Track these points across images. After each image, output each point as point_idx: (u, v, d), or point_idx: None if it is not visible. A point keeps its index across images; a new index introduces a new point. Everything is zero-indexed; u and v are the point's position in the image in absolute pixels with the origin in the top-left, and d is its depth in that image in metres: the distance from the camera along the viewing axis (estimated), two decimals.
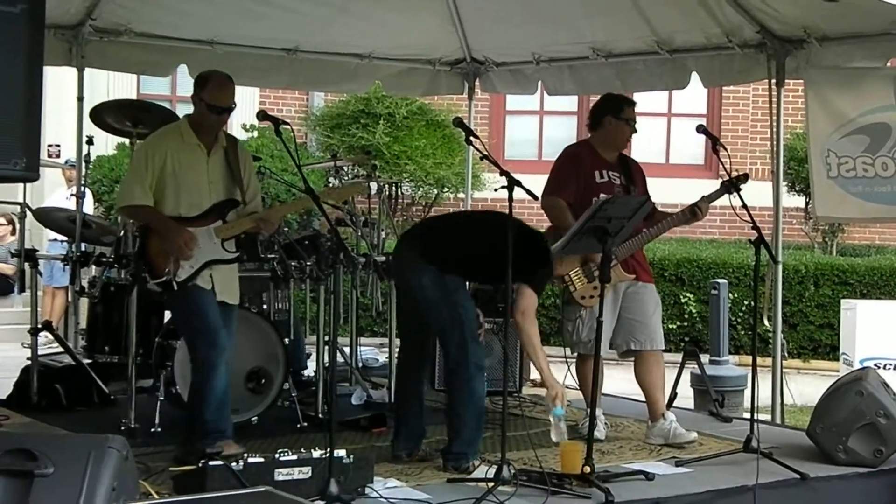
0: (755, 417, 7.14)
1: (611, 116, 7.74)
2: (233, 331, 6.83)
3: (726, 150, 7.42)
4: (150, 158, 6.66)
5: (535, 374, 9.76)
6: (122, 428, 7.40)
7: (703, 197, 7.53)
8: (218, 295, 6.71)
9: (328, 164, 9.71)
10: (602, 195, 7.23)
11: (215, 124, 6.79)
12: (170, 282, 6.56)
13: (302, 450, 5.94)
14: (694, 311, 13.54)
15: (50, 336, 9.02)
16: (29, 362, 8.41)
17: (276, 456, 5.83)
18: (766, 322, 8.85)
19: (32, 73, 4.10)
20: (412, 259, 6.82)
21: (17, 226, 9.26)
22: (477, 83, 10.78)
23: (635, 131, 7.84)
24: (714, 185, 7.58)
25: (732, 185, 7.38)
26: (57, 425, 7.67)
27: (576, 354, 7.75)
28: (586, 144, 7.95)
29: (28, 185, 13.28)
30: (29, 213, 9.00)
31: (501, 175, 6.38)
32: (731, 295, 12.04)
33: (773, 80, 8.63)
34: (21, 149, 4.05)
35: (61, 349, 8.88)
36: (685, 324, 13.58)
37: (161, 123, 8.29)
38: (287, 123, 6.52)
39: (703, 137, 7.76)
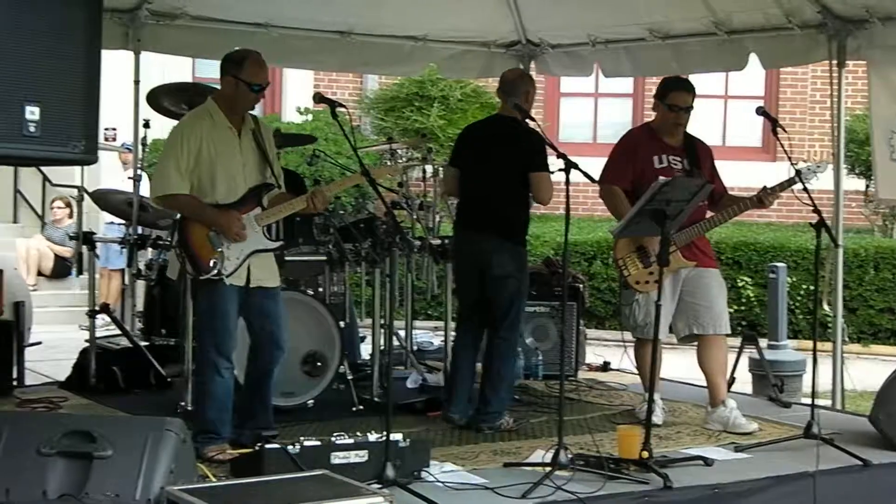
0: (815, 403, 7.06)
1: (658, 100, 7.71)
2: (280, 311, 6.67)
3: (786, 132, 7.31)
4: (184, 142, 6.41)
5: (591, 359, 9.77)
6: (179, 410, 7.40)
7: (774, 186, 7.38)
8: (255, 283, 6.51)
9: (383, 146, 9.68)
10: (661, 179, 7.16)
11: (252, 102, 6.61)
12: (219, 275, 6.34)
13: (358, 433, 5.94)
14: (751, 295, 13.44)
15: (107, 318, 9.06)
16: (87, 345, 8.45)
17: (333, 439, 5.82)
18: (825, 306, 8.75)
19: (91, 57, 4.10)
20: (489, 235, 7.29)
21: (75, 209, 9.29)
22: (532, 65, 10.71)
23: (682, 117, 7.69)
24: (772, 167, 7.46)
25: (801, 175, 7.24)
26: (114, 407, 7.70)
27: (633, 339, 7.69)
28: (646, 128, 7.90)
29: (85, 168, 13.49)
30: (86, 196, 9.02)
31: (558, 158, 6.33)
32: (789, 279, 11.94)
33: (834, 61, 8.50)
34: (80, 132, 4.06)
35: (119, 331, 8.93)
36: (742, 308, 13.48)
37: None
38: (343, 106, 6.47)
39: (760, 119, 7.66)
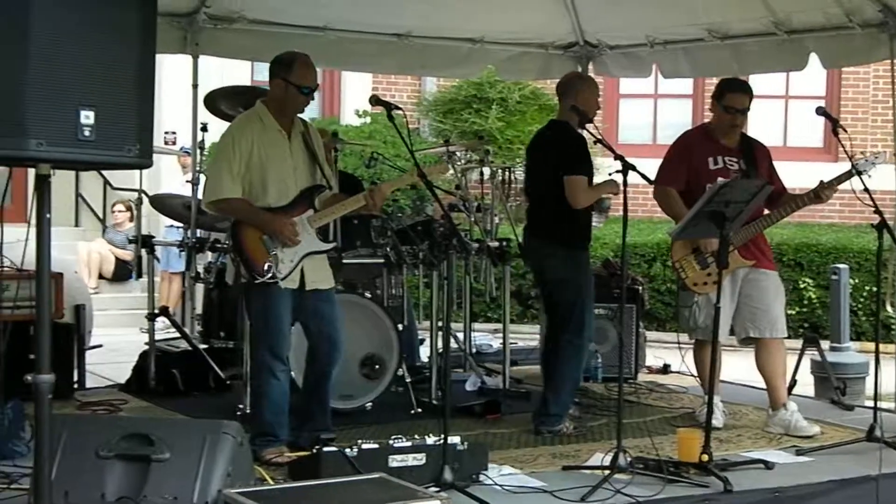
0: (878, 406, 6.96)
1: (714, 101, 7.68)
2: (336, 312, 6.67)
3: (846, 132, 7.22)
4: (236, 146, 6.41)
5: (650, 361, 9.72)
6: (238, 413, 7.43)
7: (831, 179, 7.31)
8: (309, 285, 6.51)
9: (440, 149, 9.67)
10: (720, 180, 7.11)
11: (302, 105, 6.60)
12: (273, 278, 6.35)
13: (416, 436, 5.93)
14: (813, 296, 13.31)
15: (167, 321, 9.11)
16: (146, 347, 8.51)
17: (391, 442, 5.81)
18: (888, 308, 8.63)
19: (145, 62, 4.11)
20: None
21: (136, 212, 9.36)
22: (590, 66, 10.66)
23: (739, 119, 7.64)
24: (833, 167, 7.37)
25: (857, 169, 7.17)
26: (173, 410, 7.76)
27: (692, 341, 7.63)
28: (702, 129, 7.86)
29: (145, 172, 13.57)
30: (146, 200, 9.08)
31: (616, 160, 6.30)
32: (852, 280, 11.78)
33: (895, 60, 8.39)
34: (134, 136, 4.07)
35: (178, 334, 8.98)
36: (804, 309, 13.34)
37: None
38: (400, 108, 6.45)
39: (821, 119, 7.57)
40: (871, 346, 7.38)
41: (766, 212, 7.43)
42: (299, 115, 6.74)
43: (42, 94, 3.91)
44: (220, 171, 6.44)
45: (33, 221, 4.22)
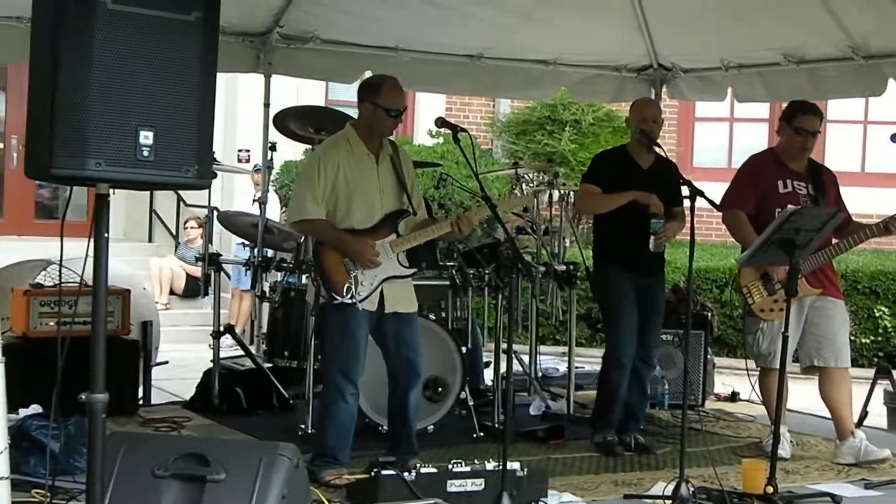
0: None
1: (784, 123, 7.59)
2: (416, 337, 6.69)
3: None
4: (323, 169, 6.45)
5: (719, 388, 9.60)
6: (300, 433, 7.44)
7: None
8: (389, 307, 6.52)
9: (509, 171, 9.63)
10: (789, 206, 7.03)
11: (391, 128, 6.64)
12: (352, 300, 6.37)
13: (476, 461, 5.90)
14: (889, 325, 13.08)
15: (233, 339, 9.14)
16: (211, 365, 8.54)
17: (450, 467, 5.79)
18: None
19: (206, 82, 4.09)
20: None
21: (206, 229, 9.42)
22: (664, 89, 10.58)
23: (810, 142, 7.55)
24: None
25: None
26: (236, 429, 7.78)
27: (758, 368, 7.54)
28: (770, 153, 7.78)
29: (218, 189, 13.70)
30: (214, 217, 9.13)
31: (683, 185, 6.25)
32: None
33: None
34: (193, 156, 4.06)
35: (244, 352, 9.00)
36: (879, 338, 13.12)
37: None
38: (465, 130, 6.48)
39: None
40: None
41: (835, 241, 7.32)
42: (389, 139, 6.77)
43: (102, 114, 3.91)
44: (304, 192, 6.50)
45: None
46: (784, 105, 8.21)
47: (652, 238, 7.34)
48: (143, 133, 3.96)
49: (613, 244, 7.57)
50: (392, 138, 6.86)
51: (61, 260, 4.69)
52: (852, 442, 7.36)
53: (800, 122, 7.50)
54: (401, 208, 6.62)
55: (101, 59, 3.92)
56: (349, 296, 6.36)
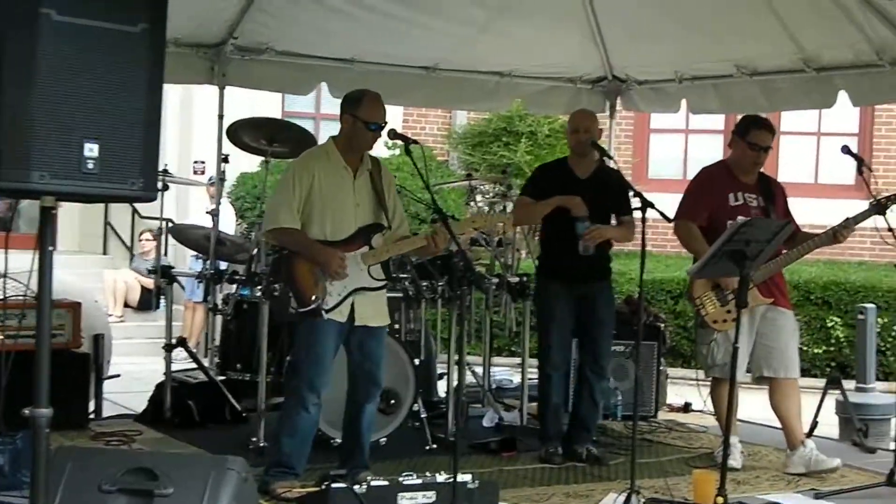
0: None
1: (737, 137, 7.64)
2: (381, 351, 6.71)
3: (871, 170, 7.18)
4: (297, 180, 6.50)
5: (672, 399, 9.63)
6: (251, 447, 7.41)
7: (848, 219, 7.27)
8: (359, 320, 6.53)
9: (463, 182, 9.64)
10: (739, 218, 7.09)
11: (370, 142, 6.66)
12: (318, 309, 6.40)
13: (427, 473, 5.87)
14: (841, 335, 13.15)
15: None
16: (163, 378, 8.49)
17: (401, 479, 5.76)
18: None
19: (152, 94, 4.07)
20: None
21: (161, 241, 9.37)
22: (619, 101, 10.62)
23: (762, 156, 7.60)
24: (864, 205, 7.28)
25: (881, 205, 7.13)
26: (188, 442, 7.74)
27: (709, 379, 7.58)
28: (722, 165, 7.82)
29: (173, 201, 13.63)
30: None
31: (634, 196, 6.29)
32: (880, 319, 11.66)
33: None
34: (139, 169, 4.04)
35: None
36: (832, 349, 13.19)
37: (296, 142, 8.37)
38: (417, 142, 6.54)
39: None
40: None
41: (784, 251, 7.36)
42: (371, 154, 6.80)
43: (46, 127, 3.88)
44: (280, 202, 6.56)
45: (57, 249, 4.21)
46: (738, 117, 8.26)
47: (580, 242, 7.38)
48: (87, 145, 3.93)
49: (548, 255, 7.68)
50: None
51: (6, 273, 4.64)
52: (802, 451, 7.41)
53: (753, 136, 7.55)
54: (376, 222, 6.64)
55: (46, 70, 3.89)
56: (314, 306, 6.38)
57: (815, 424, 8.37)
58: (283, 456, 6.52)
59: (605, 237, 7.50)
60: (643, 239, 6.29)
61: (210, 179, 12.31)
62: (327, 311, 6.41)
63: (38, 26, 3.89)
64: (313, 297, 6.40)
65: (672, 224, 7.27)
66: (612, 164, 7.86)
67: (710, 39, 9.18)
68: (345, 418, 6.82)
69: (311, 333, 6.49)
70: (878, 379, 9.91)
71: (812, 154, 16.65)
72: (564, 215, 7.41)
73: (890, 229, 6.95)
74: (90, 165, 3.94)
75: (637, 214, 6.46)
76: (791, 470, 7.39)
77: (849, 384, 9.32)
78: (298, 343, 6.63)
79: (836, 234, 7.28)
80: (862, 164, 7.28)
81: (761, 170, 7.80)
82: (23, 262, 4.54)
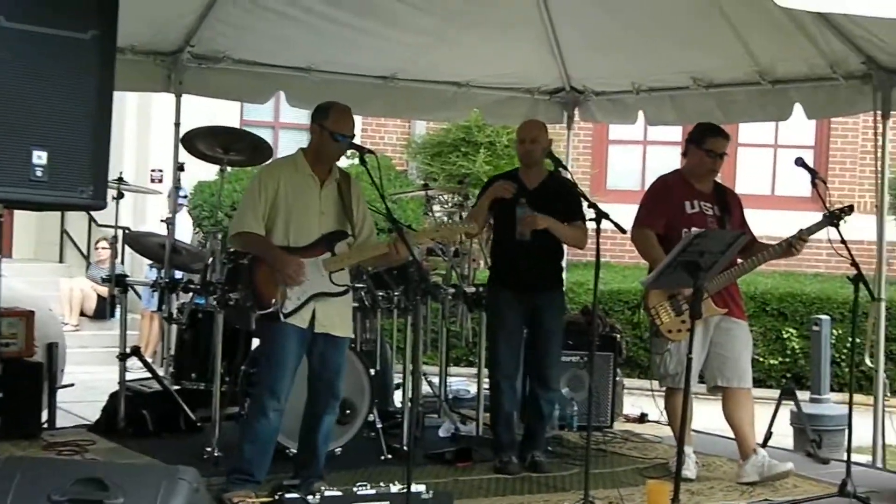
0: (851, 460, 6.91)
1: (693, 146, 7.65)
2: (342, 361, 6.74)
3: (825, 183, 7.23)
4: (263, 187, 6.58)
5: (628, 409, 9.64)
6: (206, 456, 7.37)
7: (802, 230, 7.31)
8: (319, 328, 6.55)
9: (420, 192, 9.63)
10: (693, 227, 7.17)
11: (337, 153, 6.73)
12: (276, 313, 6.44)
13: (381, 483, 5.86)
14: (797, 346, 13.21)
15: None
16: (117, 387, 8.43)
17: (354, 489, 5.76)
18: (867, 360, 8.57)
19: (102, 101, 4.06)
20: None
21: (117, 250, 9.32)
22: (577, 112, 10.66)
23: (719, 163, 7.64)
24: (819, 217, 7.32)
25: (834, 217, 7.17)
26: (141, 452, 7.69)
27: (664, 389, 7.61)
28: (678, 174, 7.85)
29: (130, 209, 13.57)
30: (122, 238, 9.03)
31: (589, 207, 6.31)
32: (834, 331, 11.73)
33: (879, 112, 8.37)
34: (89, 177, 4.03)
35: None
36: (787, 359, 13.25)
37: (252, 150, 8.35)
38: (372, 152, 6.59)
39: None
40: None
41: (739, 261, 7.39)
42: (341, 167, 6.87)
43: None
44: (246, 207, 6.65)
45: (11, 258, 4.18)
46: None
47: (517, 226, 7.42)
48: (36, 153, 3.92)
49: (496, 263, 7.71)
50: None
51: None
52: (755, 459, 7.45)
53: (709, 144, 7.59)
54: (341, 230, 6.69)
55: None
56: (273, 309, 6.43)
57: (769, 435, 8.42)
58: (244, 462, 6.53)
59: (542, 226, 7.44)
60: (598, 249, 6.32)
61: (178, 190, 12.34)
62: (286, 315, 6.44)
63: None
64: (272, 301, 6.45)
65: (628, 235, 7.30)
66: (566, 175, 7.85)
67: (666, 52, 9.21)
68: (302, 428, 6.81)
69: (273, 339, 6.55)
70: (832, 390, 9.98)
71: (769, 166, 16.75)
72: (511, 224, 7.42)
73: (843, 241, 6.99)
74: (39, 173, 3.94)
75: (592, 225, 6.48)
76: (745, 479, 7.41)
77: (803, 395, 9.38)
78: (260, 350, 6.73)
79: (791, 246, 7.32)
80: (816, 177, 7.31)
81: (717, 180, 7.85)
82: None
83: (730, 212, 7.59)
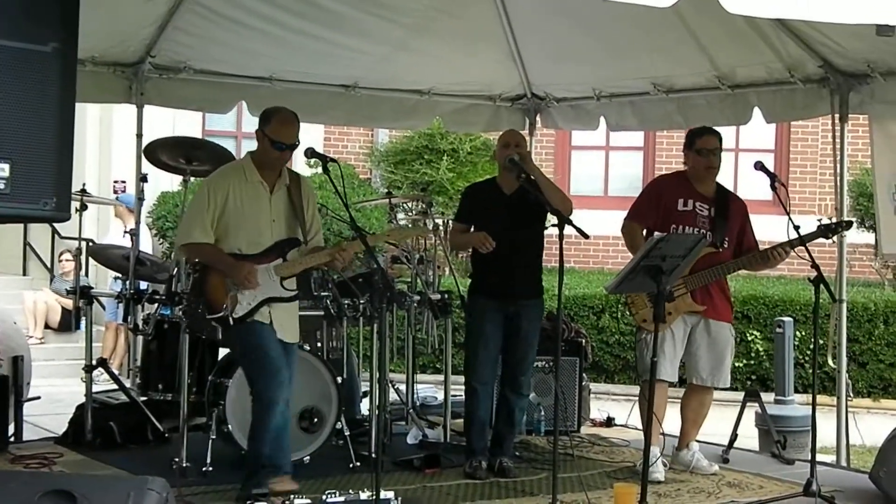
0: (815, 459, 6.97)
1: (686, 150, 7.83)
2: (294, 370, 6.80)
3: (785, 186, 7.33)
4: (211, 196, 6.60)
5: (595, 414, 9.69)
6: (174, 466, 7.36)
7: (791, 240, 7.33)
8: (277, 332, 6.64)
9: (383, 200, 9.65)
10: (683, 225, 7.47)
11: (277, 161, 6.73)
12: (226, 318, 6.52)
13: (350, 491, 5.89)
14: (760, 349, 13.30)
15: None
16: (84, 399, 8.41)
17: (323, 497, 5.78)
18: (830, 361, 8.65)
19: (64, 113, 4.06)
20: None
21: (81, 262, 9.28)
22: (538, 119, 10.71)
23: (713, 160, 7.74)
24: (782, 221, 7.37)
25: (829, 230, 7.33)
26: (109, 463, 7.65)
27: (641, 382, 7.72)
28: (680, 174, 8.02)
29: (93, 220, 13.54)
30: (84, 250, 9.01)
31: (551, 213, 6.36)
32: (797, 333, 11.82)
33: (837, 115, 8.47)
34: (51, 189, 4.03)
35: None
36: (752, 362, 13.33)
37: (215, 160, 8.33)
38: (335, 160, 6.62)
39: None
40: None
41: (724, 262, 7.52)
42: (292, 170, 6.93)
43: None
44: (193, 217, 6.68)
45: None
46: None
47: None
48: None
49: (479, 272, 7.72)
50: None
51: None
52: (686, 453, 7.81)
53: (699, 144, 7.73)
54: (292, 237, 6.72)
55: None
56: (224, 313, 6.52)
57: (734, 437, 8.48)
58: (264, 457, 6.58)
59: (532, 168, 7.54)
60: (561, 255, 6.35)
61: (118, 198, 12.37)
62: (235, 320, 6.53)
63: None
64: (223, 306, 6.53)
65: (591, 240, 7.37)
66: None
67: (627, 58, 9.29)
68: (252, 432, 6.82)
69: (249, 334, 6.61)
70: (796, 391, 10.05)
71: (730, 170, 16.82)
72: (491, 233, 7.43)
73: (803, 243, 7.08)
74: (1, 185, 3.93)
75: (555, 231, 6.52)
76: (675, 466, 7.73)
77: (768, 397, 9.45)
78: (240, 354, 6.81)
79: (768, 254, 7.46)
80: (775, 180, 7.40)
81: (727, 187, 7.98)
82: None
83: (727, 216, 7.66)
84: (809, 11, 5.20)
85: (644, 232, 7.68)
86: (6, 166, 3.92)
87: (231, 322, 6.53)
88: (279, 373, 6.56)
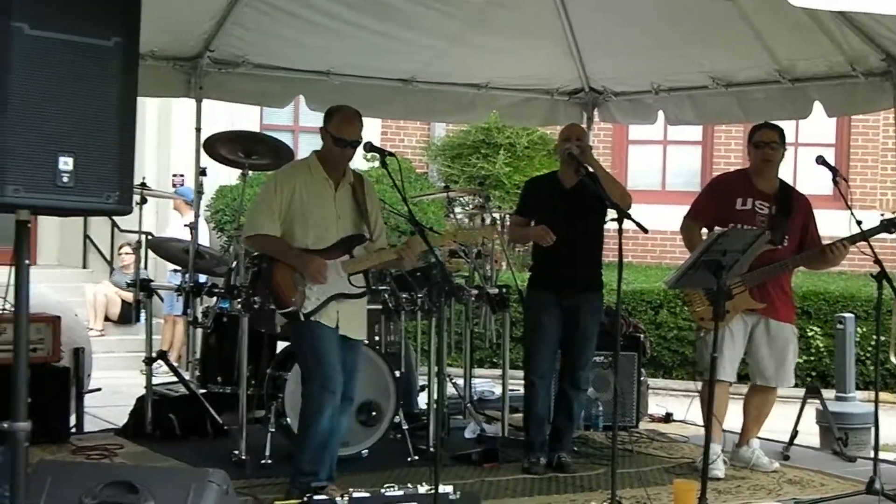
0: (878, 457, 6.89)
1: (748, 145, 7.84)
2: (357, 366, 6.79)
3: (846, 181, 7.25)
4: (278, 190, 6.62)
5: (654, 409, 9.64)
6: (233, 459, 7.40)
7: (853, 235, 7.28)
8: (342, 329, 6.61)
9: (440, 195, 9.64)
10: (739, 224, 7.39)
11: (340, 158, 6.73)
12: (296, 312, 6.50)
13: (409, 484, 5.89)
14: (821, 345, 13.19)
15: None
16: (144, 391, 8.47)
17: (382, 491, 5.78)
18: (892, 358, 8.56)
19: (126, 107, 4.08)
20: None
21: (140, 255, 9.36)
22: (596, 113, 10.65)
23: (769, 153, 7.67)
24: (843, 216, 7.32)
25: (892, 224, 7.23)
26: (169, 455, 7.72)
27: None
28: (741, 172, 8.03)
29: (152, 214, 13.62)
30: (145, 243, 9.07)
31: (611, 208, 6.33)
32: (859, 329, 11.71)
33: None
34: (114, 182, 4.05)
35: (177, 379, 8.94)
36: (812, 358, 13.22)
37: (273, 154, 8.38)
38: (393, 154, 6.62)
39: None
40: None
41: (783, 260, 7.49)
42: (355, 171, 6.94)
43: (20, 140, 3.90)
44: (260, 209, 6.71)
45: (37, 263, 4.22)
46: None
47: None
48: (62, 159, 3.94)
49: (539, 265, 7.70)
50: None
51: None
52: (745, 450, 7.76)
53: (757, 136, 7.73)
54: (359, 233, 6.73)
55: (20, 84, 3.91)
56: (293, 308, 6.50)
57: (795, 433, 8.42)
58: (305, 463, 6.57)
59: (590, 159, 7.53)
60: (620, 249, 6.33)
61: (176, 191, 12.45)
62: (305, 315, 6.50)
63: (10, 41, 3.90)
64: (292, 300, 6.51)
65: (650, 234, 7.31)
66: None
67: (685, 51, 9.21)
68: (298, 432, 6.83)
69: (311, 334, 6.57)
70: (857, 388, 9.93)
71: (790, 164, 16.69)
72: (551, 226, 7.41)
73: (866, 239, 7.01)
74: (65, 179, 3.96)
75: (614, 225, 6.49)
76: (736, 463, 7.68)
77: (829, 393, 9.35)
78: (301, 353, 6.75)
79: (826, 251, 7.38)
80: (837, 175, 7.29)
81: (790, 184, 7.94)
82: (1, 276, 4.55)
83: (790, 214, 7.60)
84: (873, 4, 5.14)
85: (703, 231, 7.64)
86: (70, 160, 3.94)
87: (301, 317, 6.50)
88: (331, 381, 6.50)
